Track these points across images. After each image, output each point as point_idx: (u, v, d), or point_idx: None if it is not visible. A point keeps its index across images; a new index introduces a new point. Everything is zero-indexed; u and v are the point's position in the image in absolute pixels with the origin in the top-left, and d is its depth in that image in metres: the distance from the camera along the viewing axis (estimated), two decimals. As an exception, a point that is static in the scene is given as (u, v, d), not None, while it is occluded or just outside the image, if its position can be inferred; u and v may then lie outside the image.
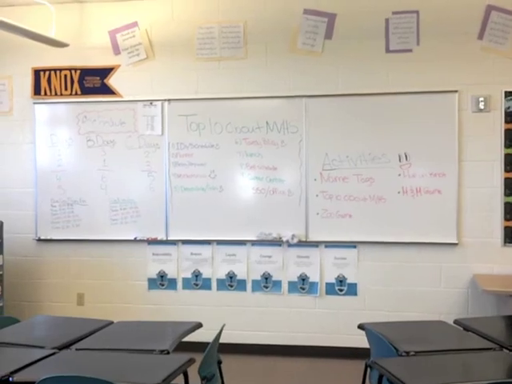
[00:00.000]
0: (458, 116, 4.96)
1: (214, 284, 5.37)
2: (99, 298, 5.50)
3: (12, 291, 5.54)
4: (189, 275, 5.40)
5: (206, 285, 5.38)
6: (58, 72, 5.56)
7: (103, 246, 5.49)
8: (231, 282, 5.35)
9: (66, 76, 5.55)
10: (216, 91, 5.31)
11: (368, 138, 5.08)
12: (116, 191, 5.45)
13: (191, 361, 2.87)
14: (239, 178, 5.29)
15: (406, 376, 2.63)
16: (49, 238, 5.57)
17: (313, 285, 5.23)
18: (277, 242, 5.24)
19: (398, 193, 5.05)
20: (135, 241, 5.43)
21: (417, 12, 5.01)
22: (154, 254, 5.44)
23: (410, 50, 5.05)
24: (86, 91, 5.53)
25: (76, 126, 5.51)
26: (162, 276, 5.44)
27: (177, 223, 5.36)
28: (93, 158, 5.49)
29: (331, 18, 5.13)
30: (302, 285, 5.25)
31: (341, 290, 5.20)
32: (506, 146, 4.93)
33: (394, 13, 5.04)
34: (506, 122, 4.93)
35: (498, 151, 4.95)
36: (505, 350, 3.09)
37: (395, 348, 3.07)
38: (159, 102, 5.37)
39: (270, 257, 5.28)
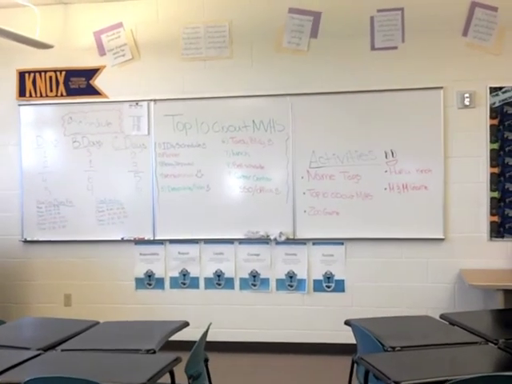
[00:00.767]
0: (444, 112, 4.98)
1: (201, 283, 5.37)
2: (87, 298, 5.48)
3: (-1, 293, 5.52)
4: (176, 274, 5.40)
5: (193, 284, 5.38)
6: (43, 74, 5.54)
7: (90, 247, 5.47)
8: (219, 281, 5.34)
9: (51, 77, 5.52)
10: (202, 91, 5.30)
11: (354, 135, 5.10)
12: (102, 192, 5.43)
13: (177, 360, 2.85)
14: (226, 177, 5.28)
15: (391, 371, 2.63)
16: (35, 239, 5.54)
17: (301, 282, 5.23)
18: (264, 240, 5.24)
19: (385, 189, 5.07)
20: (122, 241, 5.42)
21: (401, 9, 5.03)
22: (141, 254, 5.43)
23: (395, 48, 5.07)
24: (71, 92, 5.51)
25: (62, 128, 5.49)
26: (149, 276, 5.43)
27: (164, 223, 5.35)
28: (79, 159, 5.47)
29: (316, 16, 5.14)
30: (290, 282, 5.25)
31: (328, 287, 5.21)
32: (492, 141, 4.96)
33: (378, 10, 5.06)
34: (491, 117, 4.95)
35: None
36: (490, 343, 3.10)
37: (381, 343, 3.07)
38: (145, 103, 5.36)
39: (257, 255, 5.28)
